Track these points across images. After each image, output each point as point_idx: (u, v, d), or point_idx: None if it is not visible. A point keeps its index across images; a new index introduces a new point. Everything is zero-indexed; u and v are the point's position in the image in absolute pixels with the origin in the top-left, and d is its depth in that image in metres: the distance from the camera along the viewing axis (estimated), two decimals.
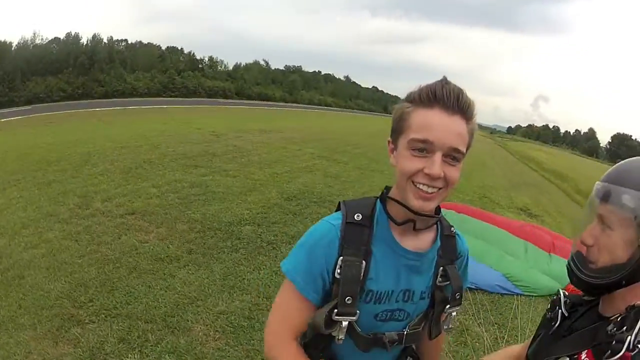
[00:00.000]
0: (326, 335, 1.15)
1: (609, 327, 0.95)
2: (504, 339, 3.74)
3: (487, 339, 3.69)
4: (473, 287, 4.60)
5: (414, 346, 1.39)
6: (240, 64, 70.71)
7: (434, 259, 1.22)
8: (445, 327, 1.27)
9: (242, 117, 27.48)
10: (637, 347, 0.87)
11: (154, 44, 57.83)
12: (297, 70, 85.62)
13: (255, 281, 4.27)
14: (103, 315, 3.45)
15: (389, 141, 1.16)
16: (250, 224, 5.79)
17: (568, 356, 1.03)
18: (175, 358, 3.05)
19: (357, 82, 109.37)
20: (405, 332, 1.21)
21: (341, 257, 1.11)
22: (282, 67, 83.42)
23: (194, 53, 62.64)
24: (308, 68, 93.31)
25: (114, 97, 39.58)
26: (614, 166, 1.06)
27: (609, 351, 0.90)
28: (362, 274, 1.11)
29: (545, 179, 22.65)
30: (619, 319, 0.95)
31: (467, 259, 1.35)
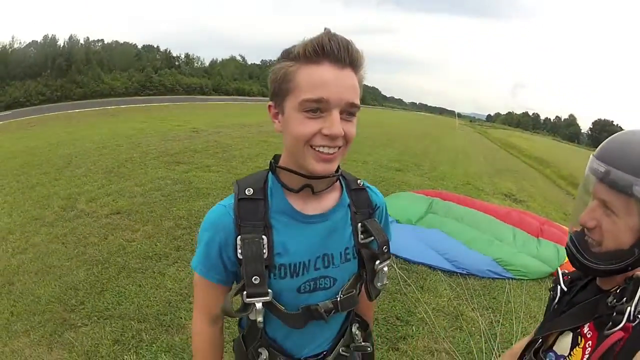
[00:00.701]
0: (256, 323, 1.11)
1: (609, 299, 0.96)
2: (499, 322, 3.77)
3: (482, 323, 3.71)
4: (464, 272, 4.64)
5: (358, 313, 1.37)
6: (217, 59, 70.67)
7: (346, 216, 1.18)
8: (379, 284, 1.20)
9: (221, 112, 27.22)
10: (638, 317, 0.88)
11: (130, 43, 57.33)
12: (274, 64, 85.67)
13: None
14: (95, 318, 3.39)
15: (269, 106, 1.07)
16: None
17: (571, 330, 1.04)
18: (172, 357, 3.00)
19: None
20: (339, 298, 1.17)
21: (239, 237, 1.06)
22: (258, 62, 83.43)
23: (170, 50, 62.52)
24: None
25: (92, 98, 39.03)
26: (612, 143, 1.00)
27: (610, 323, 0.90)
28: (265, 251, 1.06)
29: (527, 166, 22.86)
30: (618, 291, 0.95)
31: (386, 211, 1.31)
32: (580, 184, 1.09)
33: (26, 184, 7.28)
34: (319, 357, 1.26)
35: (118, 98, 39.82)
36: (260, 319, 1.08)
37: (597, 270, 1.02)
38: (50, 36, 43.83)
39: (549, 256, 5.03)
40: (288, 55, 1.00)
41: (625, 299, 0.91)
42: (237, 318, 1.19)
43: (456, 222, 5.87)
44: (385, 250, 1.19)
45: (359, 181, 1.24)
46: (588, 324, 0.99)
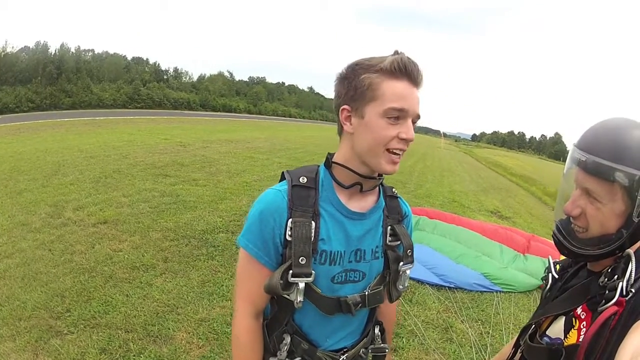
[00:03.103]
0: (287, 308, 1.21)
1: (601, 279, 0.96)
2: (488, 333, 3.80)
3: (472, 334, 3.74)
4: (452, 286, 4.66)
5: (378, 317, 1.44)
6: (205, 75, 70.37)
7: (380, 218, 1.28)
8: (401, 287, 1.31)
9: (208, 128, 27.18)
10: (631, 291, 0.88)
11: (120, 54, 57.02)
12: (261, 81, 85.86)
13: (235, 287, 4.17)
14: (82, 326, 3.33)
15: (343, 109, 1.16)
16: (224, 232, 5.73)
17: (564, 314, 1.05)
18: None
19: (321, 92, 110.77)
20: (367, 293, 1.25)
21: (290, 219, 1.15)
22: (246, 79, 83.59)
23: (159, 64, 62.13)
24: (272, 79, 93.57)
25: (81, 108, 38.64)
26: (592, 132, 1.02)
27: (603, 300, 0.91)
28: (312, 235, 1.15)
29: (513, 183, 23.13)
30: (609, 270, 0.96)
31: (412, 221, 1.41)
32: (563, 174, 1.10)
33: (14, 189, 7.22)
34: (340, 352, 1.31)
35: (106, 110, 39.49)
36: (300, 298, 1.15)
37: (585, 255, 1.03)
38: (42, 42, 43.23)
39: (536, 269, 5.07)
40: (372, 66, 1.11)
41: (616, 276, 0.92)
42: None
43: (443, 238, 5.90)
44: (409, 254, 1.31)
45: (393, 190, 1.36)
46: (581, 305, 1.00)
